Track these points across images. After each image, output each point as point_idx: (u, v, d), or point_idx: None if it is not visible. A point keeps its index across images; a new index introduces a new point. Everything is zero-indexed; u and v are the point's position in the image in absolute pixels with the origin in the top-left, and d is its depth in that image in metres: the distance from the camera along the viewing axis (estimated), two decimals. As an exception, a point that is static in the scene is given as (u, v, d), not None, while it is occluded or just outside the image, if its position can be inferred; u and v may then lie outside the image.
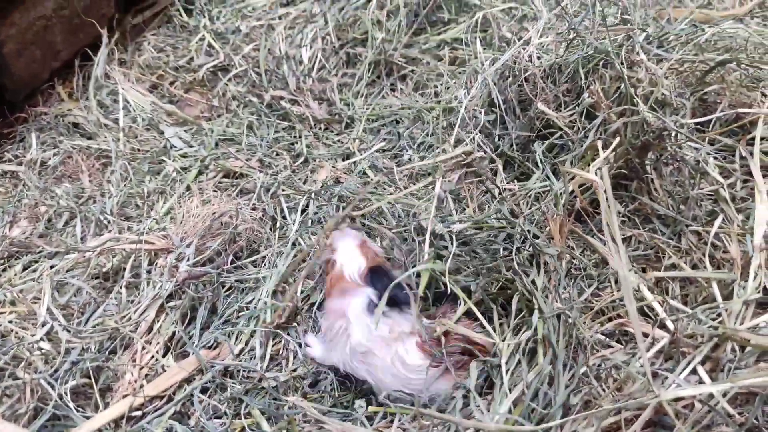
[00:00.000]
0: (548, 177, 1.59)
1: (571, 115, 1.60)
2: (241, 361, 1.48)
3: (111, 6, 2.45)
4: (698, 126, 1.59)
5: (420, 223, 1.55)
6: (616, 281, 1.39)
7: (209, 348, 1.51)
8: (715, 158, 1.56)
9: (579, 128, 1.59)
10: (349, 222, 1.64)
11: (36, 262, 1.75)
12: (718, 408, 1.09)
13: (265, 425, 1.36)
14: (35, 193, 1.96)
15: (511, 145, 1.73)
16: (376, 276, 1.43)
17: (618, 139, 1.45)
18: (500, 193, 1.54)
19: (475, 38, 2.07)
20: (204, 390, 1.44)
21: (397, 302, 1.38)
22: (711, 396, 1.10)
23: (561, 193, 1.49)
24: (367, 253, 1.48)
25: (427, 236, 1.44)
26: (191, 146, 2.12)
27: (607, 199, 1.17)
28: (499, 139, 1.76)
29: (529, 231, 1.42)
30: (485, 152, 1.68)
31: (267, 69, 2.29)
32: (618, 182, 1.57)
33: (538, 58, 1.74)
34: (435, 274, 1.43)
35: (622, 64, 1.54)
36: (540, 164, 1.65)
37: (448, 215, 1.59)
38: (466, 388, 1.31)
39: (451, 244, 1.42)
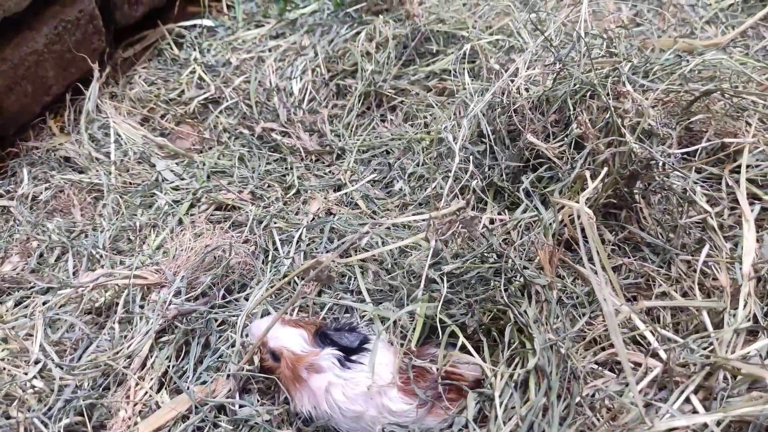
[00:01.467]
0: (536, 208, 1.61)
1: (561, 145, 1.62)
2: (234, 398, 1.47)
3: (102, 40, 2.47)
4: (685, 155, 1.61)
5: (411, 267, 1.56)
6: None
7: (203, 383, 1.50)
8: (702, 187, 1.59)
9: (568, 158, 1.62)
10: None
11: (28, 297, 1.75)
12: (712, 437, 1.10)
13: (261, 462, 1.35)
14: (27, 228, 1.96)
15: (501, 175, 1.75)
16: (323, 336, 1.40)
17: (606, 168, 1.47)
18: (489, 232, 1.55)
19: (464, 69, 2.10)
20: (199, 427, 1.43)
21: (358, 348, 1.37)
22: (705, 425, 1.11)
23: (550, 223, 1.51)
24: (296, 323, 1.43)
25: (422, 283, 1.43)
26: (183, 179, 2.13)
27: (583, 230, 1.18)
28: (489, 170, 1.78)
29: (515, 261, 1.42)
30: (478, 186, 1.69)
31: (257, 101, 2.31)
32: (607, 211, 1.60)
33: (526, 89, 1.77)
34: (429, 317, 1.43)
35: (608, 95, 1.57)
36: (528, 195, 1.66)
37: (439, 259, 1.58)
38: (462, 420, 1.31)
39: (443, 284, 1.41)
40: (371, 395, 1.33)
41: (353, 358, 1.36)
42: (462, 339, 1.37)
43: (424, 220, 1.56)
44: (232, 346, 1.55)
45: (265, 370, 1.45)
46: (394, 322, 1.48)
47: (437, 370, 1.34)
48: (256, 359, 1.47)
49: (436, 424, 1.35)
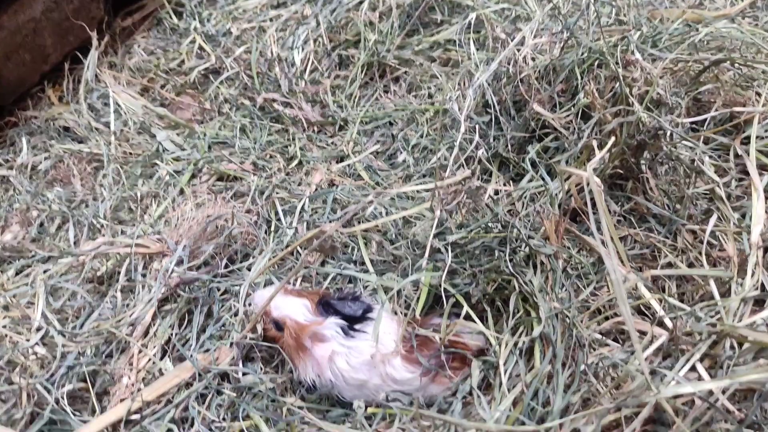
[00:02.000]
0: (542, 178, 1.59)
1: (567, 115, 1.60)
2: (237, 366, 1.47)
3: (100, 8, 2.44)
4: (693, 125, 1.60)
5: (415, 237, 1.55)
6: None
7: (206, 351, 1.50)
8: (711, 157, 1.57)
9: (574, 129, 1.60)
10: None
11: (29, 266, 1.74)
12: (717, 404, 1.09)
13: (264, 428, 1.35)
14: (26, 198, 1.95)
15: (506, 146, 1.73)
16: (327, 305, 1.39)
17: (613, 138, 1.46)
18: (494, 203, 1.53)
19: (469, 39, 2.08)
20: (202, 394, 1.43)
21: (362, 317, 1.37)
22: (710, 393, 1.11)
23: (556, 193, 1.49)
24: (298, 293, 1.42)
25: (426, 253, 1.42)
26: (184, 149, 2.11)
27: (593, 198, 1.17)
28: (494, 140, 1.76)
29: (521, 231, 1.41)
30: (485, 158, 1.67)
31: (259, 71, 2.28)
32: (614, 182, 1.58)
33: (533, 59, 1.75)
34: (433, 285, 1.42)
35: (617, 64, 1.55)
36: (534, 165, 1.65)
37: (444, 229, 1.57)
38: (467, 388, 1.30)
39: (447, 254, 1.40)
40: (374, 364, 1.33)
41: (357, 327, 1.36)
42: (466, 308, 1.36)
43: (429, 189, 1.55)
44: (235, 314, 1.55)
45: (269, 339, 1.44)
46: (398, 292, 1.47)
47: (440, 339, 1.33)
48: (260, 328, 1.46)
49: (440, 392, 1.35)
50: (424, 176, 1.86)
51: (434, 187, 1.42)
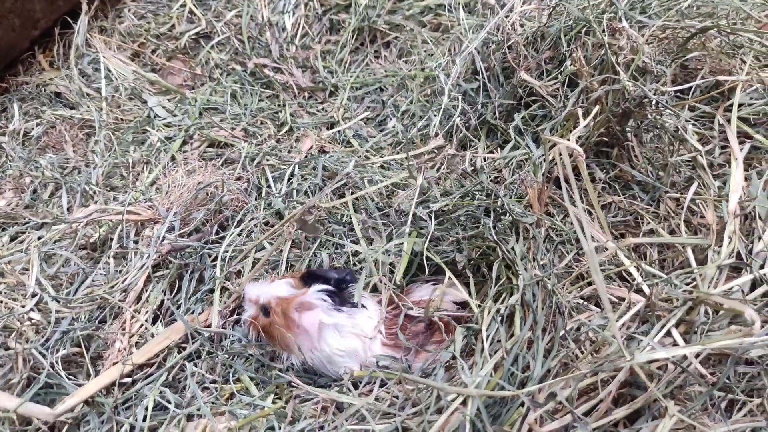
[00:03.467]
0: (527, 146, 1.61)
1: (554, 83, 1.61)
2: (227, 328, 1.50)
3: (90, -28, 2.41)
4: (679, 93, 1.60)
5: (400, 206, 1.56)
6: (597, 246, 1.42)
7: (200, 314, 1.53)
8: (695, 125, 1.58)
9: (561, 96, 1.61)
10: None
11: (23, 233, 1.76)
12: (690, 369, 1.13)
13: (254, 390, 1.39)
14: (19, 164, 1.96)
15: (494, 113, 1.74)
16: (310, 276, 1.40)
17: (597, 108, 1.47)
18: (474, 170, 1.54)
19: (459, 5, 2.07)
20: (193, 356, 1.47)
21: (345, 283, 1.39)
22: (685, 357, 1.14)
23: (540, 161, 1.51)
24: (282, 277, 1.43)
25: (409, 220, 1.43)
26: (175, 116, 2.11)
27: (570, 177, 1.18)
28: (482, 107, 1.77)
29: (503, 199, 1.43)
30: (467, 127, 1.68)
31: (250, 36, 2.28)
32: (599, 149, 1.60)
33: (521, 25, 1.74)
34: (415, 251, 1.44)
35: (603, 32, 1.55)
36: (520, 133, 1.66)
37: (427, 198, 1.58)
38: (449, 355, 1.34)
39: (431, 222, 1.42)
40: (359, 341, 1.36)
41: (341, 298, 1.38)
42: (449, 274, 1.39)
43: (402, 159, 1.56)
44: (226, 279, 1.57)
45: (265, 332, 1.42)
46: (382, 262, 1.49)
47: (425, 311, 1.36)
48: (254, 333, 1.45)
49: (420, 367, 1.38)
50: (413, 143, 1.87)
51: (406, 156, 1.43)
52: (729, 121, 1.51)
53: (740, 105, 1.54)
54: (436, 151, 1.45)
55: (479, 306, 1.36)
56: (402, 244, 1.46)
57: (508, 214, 1.43)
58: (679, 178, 1.54)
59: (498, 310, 1.34)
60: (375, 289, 1.47)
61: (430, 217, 1.41)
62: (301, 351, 1.37)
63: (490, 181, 1.54)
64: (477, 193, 1.48)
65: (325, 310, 1.34)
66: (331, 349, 1.37)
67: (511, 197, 1.47)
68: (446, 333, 1.39)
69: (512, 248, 1.38)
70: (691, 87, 1.59)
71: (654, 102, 1.50)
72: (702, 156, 1.49)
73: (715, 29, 1.60)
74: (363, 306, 1.38)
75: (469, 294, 1.41)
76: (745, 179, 1.40)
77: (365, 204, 1.62)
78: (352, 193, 1.61)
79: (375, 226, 1.61)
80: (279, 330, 1.37)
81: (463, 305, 1.43)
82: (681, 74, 1.66)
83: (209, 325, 1.48)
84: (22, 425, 1.32)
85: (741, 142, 1.48)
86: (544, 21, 1.70)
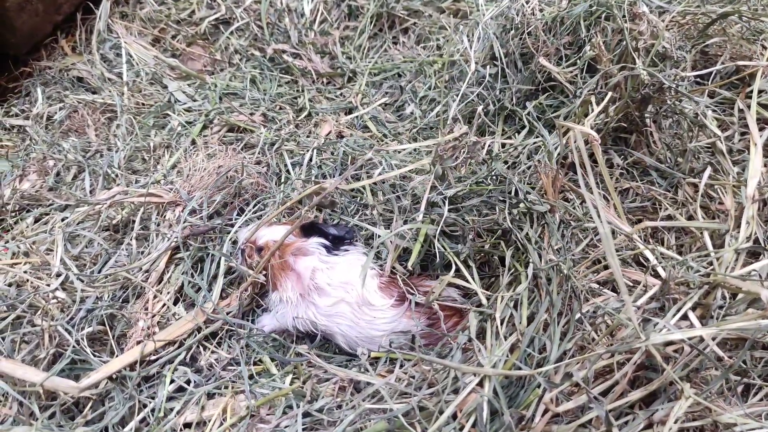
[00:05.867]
0: (540, 133, 1.61)
1: (573, 69, 1.61)
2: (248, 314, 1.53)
3: (111, -42, 2.43)
4: (698, 79, 1.60)
5: (414, 192, 1.57)
6: (613, 232, 1.42)
7: (221, 298, 1.55)
8: (714, 111, 1.58)
9: (579, 82, 1.61)
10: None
11: (47, 214, 1.79)
12: (707, 351, 1.13)
13: (274, 369, 1.41)
14: (43, 147, 1.99)
15: (512, 99, 1.74)
16: (311, 229, 1.44)
17: (610, 94, 1.46)
18: (490, 158, 1.55)
19: (478, -10, 2.07)
20: (214, 337, 1.49)
21: (342, 240, 1.43)
22: (701, 340, 1.15)
23: (555, 148, 1.51)
24: (283, 224, 1.47)
25: (422, 205, 1.45)
26: (195, 100, 2.13)
27: (584, 162, 1.19)
28: (500, 93, 1.77)
29: (518, 186, 1.43)
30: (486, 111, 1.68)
31: (269, 22, 2.29)
32: (618, 135, 1.60)
33: (541, 10, 1.74)
34: (428, 237, 1.45)
35: (624, 17, 1.55)
36: (528, 120, 1.66)
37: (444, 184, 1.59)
38: (465, 339, 1.35)
39: (444, 207, 1.43)
40: (353, 285, 1.38)
41: (339, 248, 1.42)
42: (457, 263, 1.40)
43: (427, 147, 1.57)
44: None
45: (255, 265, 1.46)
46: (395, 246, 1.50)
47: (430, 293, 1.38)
48: (245, 263, 1.49)
49: (407, 327, 1.40)
50: (431, 128, 1.88)
51: (434, 145, 1.44)
52: (749, 106, 1.51)
53: (760, 91, 1.54)
54: (460, 138, 1.46)
55: (485, 294, 1.37)
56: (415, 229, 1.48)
57: (518, 203, 1.44)
58: (697, 164, 1.53)
59: (511, 296, 1.35)
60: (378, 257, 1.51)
61: (444, 202, 1.42)
62: (289, 294, 1.40)
63: (506, 167, 1.55)
64: (491, 180, 1.49)
65: (319, 258, 1.39)
66: (324, 283, 1.39)
67: (525, 184, 1.48)
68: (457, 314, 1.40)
69: (526, 234, 1.39)
70: (711, 73, 1.59)
71: (673, 88, 1.49)
72: (721, 141, 1.48)
73: (736, 15, 1.60)
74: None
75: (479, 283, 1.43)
76: (765, 165, 1.39)
77: (382, 188, 1.64)
78: (369, 177, 1.62)
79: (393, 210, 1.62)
80: (273, 272, 1.42)
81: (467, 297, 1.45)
82: (701, 60, 1.65)
83: (230, 312, 1.51)
84: (48, 400, 1.35)
85: (761, 128, 1.47)
86: (563, 6, 1.70)
